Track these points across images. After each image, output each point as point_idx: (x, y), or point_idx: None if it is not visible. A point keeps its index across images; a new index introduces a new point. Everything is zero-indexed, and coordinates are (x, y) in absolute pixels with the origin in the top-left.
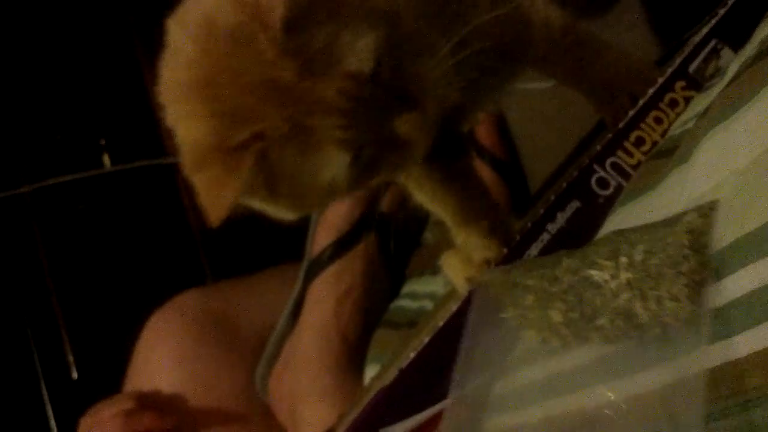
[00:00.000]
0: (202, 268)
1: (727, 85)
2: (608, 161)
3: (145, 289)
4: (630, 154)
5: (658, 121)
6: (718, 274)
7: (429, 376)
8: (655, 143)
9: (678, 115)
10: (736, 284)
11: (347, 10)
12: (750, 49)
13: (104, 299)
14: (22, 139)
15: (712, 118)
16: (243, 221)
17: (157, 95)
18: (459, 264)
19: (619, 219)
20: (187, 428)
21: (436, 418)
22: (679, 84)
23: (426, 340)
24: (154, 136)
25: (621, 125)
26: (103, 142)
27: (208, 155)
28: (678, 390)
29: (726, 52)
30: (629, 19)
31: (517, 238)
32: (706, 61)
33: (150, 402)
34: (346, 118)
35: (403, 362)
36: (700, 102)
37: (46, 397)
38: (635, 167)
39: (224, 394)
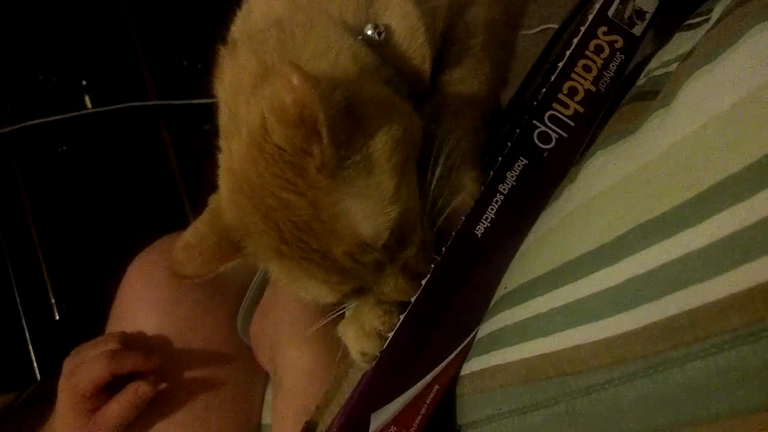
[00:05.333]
0: (184, 210)
1: (712, 27)
2: (546, 115)
3: (126, 231)
4: (566, 105)
5: (587, 69)
6: (698, 217)
7: (408, 356)
8: (588, 91)
9: (604, 60)
10: (716, 227)
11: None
12: None
13: (86, 241)
14: (4, 80)
15: (695, 60)
16: None
17: (217, 90)
18: (354, 334)
19: (600, 162)
20: (170, 369)
21: (424, 393)
22: (602, 29)
23: (401, 318)
24: (137, 78)
25: (553, 78)
26: (84, 83)
27: (216, 226)
28: (643, 334)
29: None
30: None
31: (472, 203)
32: (623, 3)
33: (134, 343)
34: (342, 276)
35: (383, 345)
36: (684, 43)
37: (28, 338)
38: (572, 117)
39: (206, 337)
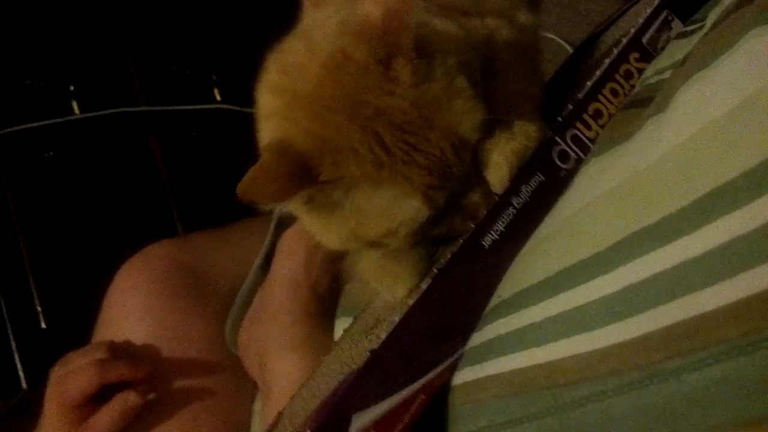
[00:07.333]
0: (172, 218)
1: (707, 34)
2: (568, 134)
3: (114, 238)
4: (588, 127)
5: (614, 93)
6: (695, 225)
7: (400, 361)
8: (611, 116)
9: (632, 86)
10: (713, 235)
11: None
12: None
13: (73, 249)
14: None
15: (690, 66)
16: (214, 172)
17: (258, 89)
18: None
19: (594, 169)
20: (158, 379)
21: (408, 401)
22: (633, 55)
23: (396, 320)
24: (125, 84)
25: (580, 96)
26: (72, 88)
27: (286, 155)
28: (639, 344)
29: (676, 24)
30: None
31: (484, 212)
32: (659, 32)
33: (122, 352)
34: (443, 178)
35: (375, 344)
36: (678, 50)
37: (14, 347)
38: (594, 140)
39: (194, 346)
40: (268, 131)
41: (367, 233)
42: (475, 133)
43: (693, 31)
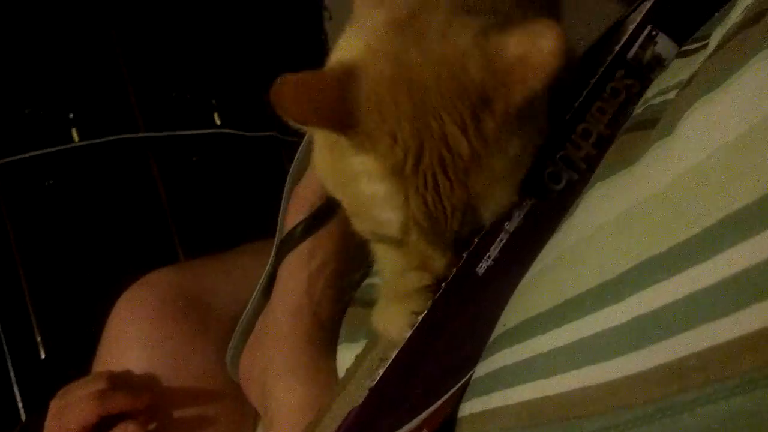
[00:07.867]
0: (174, 245)
1: (712, 54)
2: (558, 154)
3: (114, 267)
4: (577, 147)
5: (602, 111)
6: (706, 253)
7: (399, 395)
8: (600, 135)
9: (620, 104)
10: (725, 264)
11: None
12: (734, 16)
13: (73, 277)
14: None
15: (696, 88)
16: (215, 198)
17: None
18: (398, 302)
19: (599, 194)
20: (159, 408)
21: None
22: (619, 73)
23: (393, 355)
24: (125, 110)
25: (567, 117)
26: (72, 116)
27: (349, 81)
28: (651, 376)
29: (661, 38)
30: None
31: (476, 240)
32: (643, 47)
33: (122, 382)
34: (432, 227)
35: (373, 381)
36: (681, 70)
37: (13, 378)
38: (584, 159)
39: (196, 374)
40: (349, 40)
41: (342, 197)
42: (491, 219)
43: (696, 50)
